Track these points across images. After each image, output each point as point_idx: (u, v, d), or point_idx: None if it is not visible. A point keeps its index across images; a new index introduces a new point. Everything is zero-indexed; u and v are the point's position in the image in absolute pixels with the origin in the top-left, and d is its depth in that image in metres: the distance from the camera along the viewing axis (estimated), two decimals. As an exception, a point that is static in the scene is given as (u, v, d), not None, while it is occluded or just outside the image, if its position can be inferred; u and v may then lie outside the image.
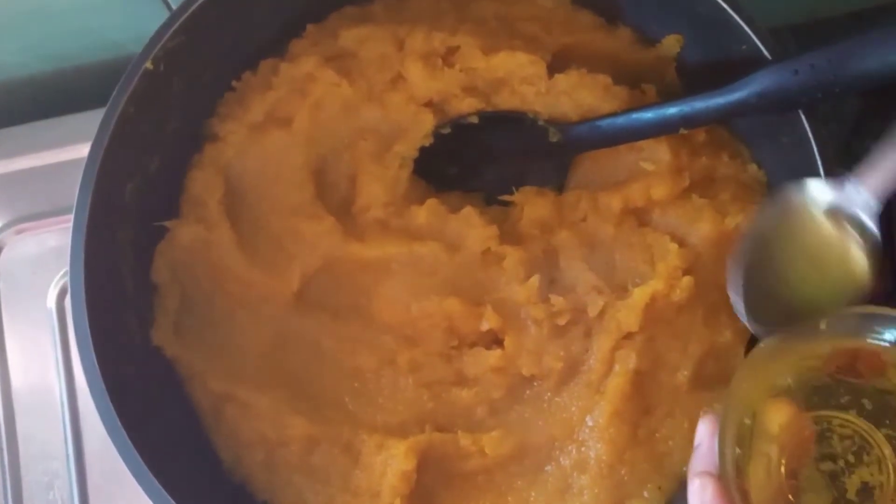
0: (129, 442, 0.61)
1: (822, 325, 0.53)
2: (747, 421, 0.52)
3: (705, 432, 0.54)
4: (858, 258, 0.54)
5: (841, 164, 0.88)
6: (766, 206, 0.58)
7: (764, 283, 0.55)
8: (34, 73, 0.88)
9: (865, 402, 0.53)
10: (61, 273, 0.83)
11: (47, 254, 0.84)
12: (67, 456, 0.81)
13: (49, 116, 0.87)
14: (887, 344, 0.53)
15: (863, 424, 0.53)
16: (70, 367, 0.82)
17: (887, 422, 0.53)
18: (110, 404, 0.61)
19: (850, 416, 0.53)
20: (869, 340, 0.53)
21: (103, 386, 0.61)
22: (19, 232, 0.85)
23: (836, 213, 0.54)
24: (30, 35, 0.82)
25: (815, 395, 0.54)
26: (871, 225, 0.54)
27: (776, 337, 0.54)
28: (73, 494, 0.80)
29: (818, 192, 0.55)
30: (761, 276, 0.55)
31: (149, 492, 0.60)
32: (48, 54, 0.86)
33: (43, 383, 0.82)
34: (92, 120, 0.65)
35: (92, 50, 0.85)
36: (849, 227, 0.54)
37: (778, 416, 0.53)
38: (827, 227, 0.54)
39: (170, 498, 0.60)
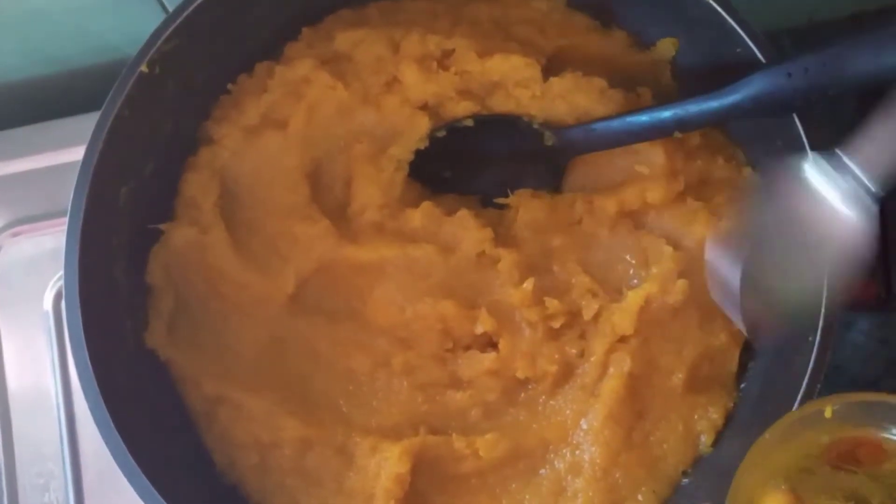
0: (123, 444, 0.61)
1: (828, 414, 0.52)
2: None
3: None
4: (847, 237, 0.52)
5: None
6: (754, 196, 0.56)
7: (757, 280, 0.54)
8: (32, 76, 0.88)
9: (860, 489, 0.52)
10: (58, 276, 0.83)
11: (44, 256, 0.84)
12: (63, 457, 0.81)
13: (46, 119, 0.87)
14: (893, 437, 0.52)
15: None
16: (66, 369, 0.82)
17: None
18: (104, 406, 0.61)
19: None
20: (873, 430, 0.52)
21: (97, 388, 0.62)
22: (16, 234, 0.85)
23: (826, 193, 0.53)
24: (27, 38, 0.83)
25: (812, 482, 0.52)
26: (867, 199, 0.52)
27: (780, 425, 0.53)
28: (69, 496, 0.80)
29: (808, 172, 0.53)
30: (754, 273, 0.54)
31: (141, 493, 0.60)
32: (46, 57, 0.86)
33: (39, 385, 0.82)
34: (89, 123, 0.65)
35: (89, 53, 0.85)
36: (839, 206, 0.52)
37: None
38: (817, 209, 0.52)
39: (162, 500, 0.60)
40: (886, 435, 0.52)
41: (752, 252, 0.54)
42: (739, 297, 0.55)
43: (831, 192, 0.53)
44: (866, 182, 0.52)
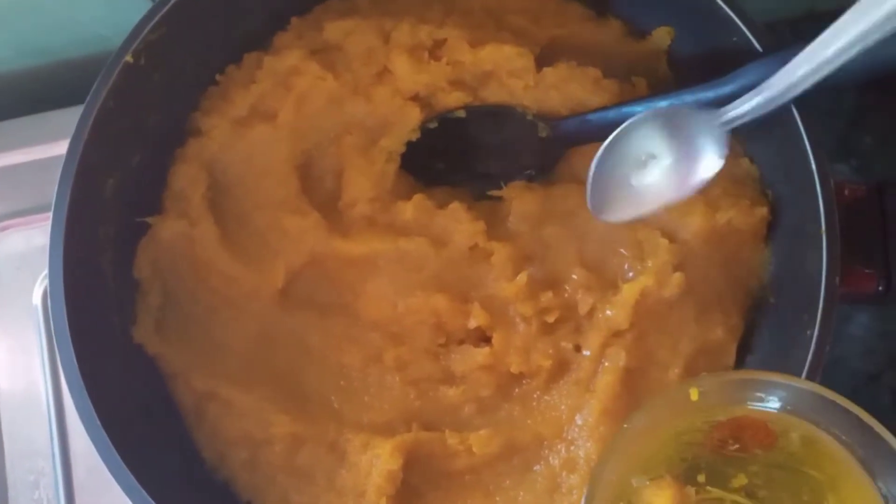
0: (108, 440, 0.60)
1: (694, 397, 0.50)
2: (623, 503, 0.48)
3: None
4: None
5: (839, 158, 0.87)
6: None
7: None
8: (21, 68, 0.87)
9: (755, 478, 0.50)
10: (47, 270, 0.82)
11: (33, 251, 0.84)
12: (53, 454, 0.80)
13: (36, 112, 0.86)
14: (774, 410, 0.50)
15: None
16: (56, 364, 0.81)
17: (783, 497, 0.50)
18: (89, 402, 0.61)
19: (740, 498, 0.50)
20: (751, 407, 0.50)
21: (82, 383, 0.61)
22: (5, 229, 0.84)
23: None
24: (16, 28, 0.82)
25: (700, 473, 0.50)
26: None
27: (643, 413, 0.50)
28: (59, 492, 0.79)
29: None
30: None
31: (127, 490, 0.60)
32: (35, 49, 0.85)
33: (28, 381, 0.81)
34: (78, 116, 0.64)
35: (78, 44, 0.85)
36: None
37: (659, 500, 0.49)
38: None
39: (148, 497, 0.59)
40: (770, 410, 0.49)
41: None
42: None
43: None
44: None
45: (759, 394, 0.50)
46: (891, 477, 0.48)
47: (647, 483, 0.49)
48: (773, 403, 0.50)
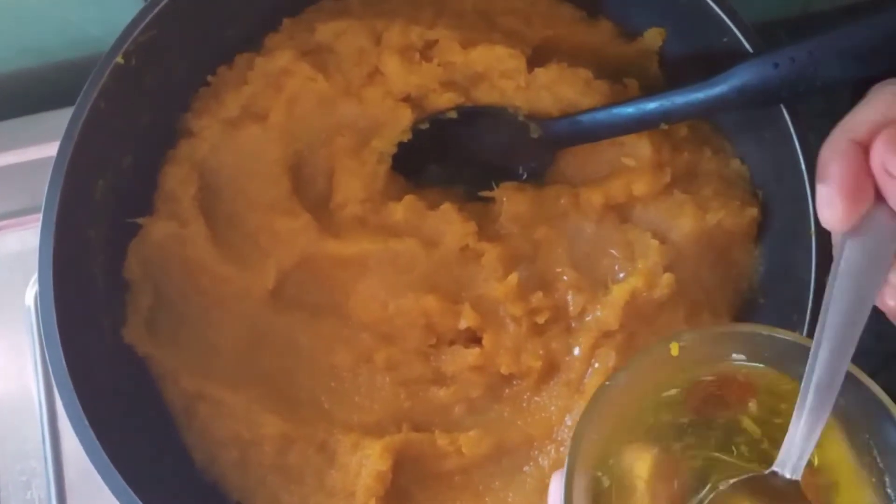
0: (97, 442, 0.60)
1: (675, 352, 0.47)
2: (601, 475, 0.46)
3: (556, 492, 0.46)
4: None
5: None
6: None
7: None
8: (13, 70, 0.87)
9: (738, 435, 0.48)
10: (38, 271, 0.82)
11: (26, 252, 0.83)
12: (45, 455, 0.80)
13: (28, 113, 0.86)
14: (761, 366, 0.48)
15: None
16: (48, 365, 0.80)
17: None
18: (77, 402, 0.60)
19: (724, 456, 0.48)
20: (735, 363, 0.48)
21: (71, 384, 0.61)
22: (-3, 229, 0.84)
23: None
24: (6, 30, 0.82)
25: (684, 434, 0.48)
26: None
27: (624, 371, 0.48)
28: (51, 494, 0.79)
29: None
30: None
31: (116, 492, 0.59)
32: (27, 49, 0.85)
33: (20, 382, 0.81)
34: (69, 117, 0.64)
35: (71, 45, 0.84)
36: None
37: (641, 466, 0.47)
38: None
39: (137, 498, 0.59)
40: (740, 363, 0.48)
41: None
42: None
43: None
44: None
45: (741, 348, 0.48)
46: (874, 426, 0.47)
47: (632, 444, 0.48)
48: (755, 359, 0.49)
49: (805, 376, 0.45)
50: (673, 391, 0.49)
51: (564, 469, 0.45)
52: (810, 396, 0.45)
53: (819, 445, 0.46)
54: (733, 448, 0.49)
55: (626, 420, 0.48)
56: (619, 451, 0.48)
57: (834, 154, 0.47)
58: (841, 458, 0.49)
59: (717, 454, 0.49)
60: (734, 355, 0.49)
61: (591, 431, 0.46)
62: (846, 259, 0.46)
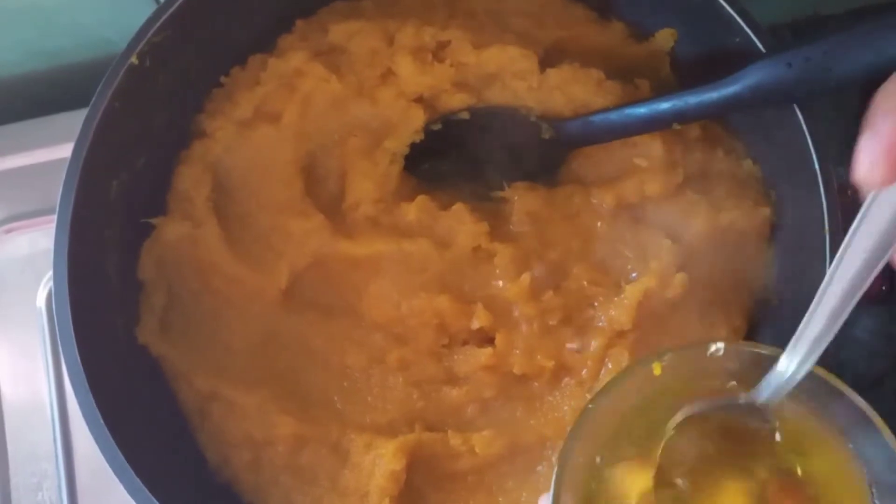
0: (112, 441, 0.60)
1: (657, 371, 0.48)
2: (594, 485, 0.47)
3: None
4: None
5: (842, 160, 0.87)
6: None
7: None
8: (27, 71, 0.88)
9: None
10: (51, 273, 0.82)
11: (37, 253, 0.84)
12: (56, 456, 0.80)
13: (41, 115, 0.86)
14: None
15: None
16: (59, 367, 0.81)
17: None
18: (93, 403, 0.60)
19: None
20: (712, 383, 0.49)
21: (87, 385, 0.61)
22: (9, 231, 0.84)
23: None
24: (22, 32, 0.82)
25: (679, 450, 0.48)
26: None
27: (606, 393, 0.48)
28: (62, 495, 0.80)
29: None
30: None
31: (132, 491, 0.59)
32: (41, 52, 0.86)
33: (32, 383, 0.81)
34: (83, 118, 0.64)
35: (84, 47, 0.85)
36: None
37: (630, 483, 0.47)
38: None
39: (153, 497, 0.59)
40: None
41: None
42: None
43: None
44: None
45: (726, 366, 0.49)
46: (859, 438, 0.48)
47: (619, 463, 0.48)
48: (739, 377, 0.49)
49: (812, 306, 0.47)
50: (660, 410, 0.49)
51: (551, 492, 0.46)
52: (814, 323, 0.47)
53: (805, 455, 0.46)
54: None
55: (615, 438, 0.49)
56: (606, 470, 0.48)
57: (890, 110, 0.45)
58: (827, 469, 0.49)
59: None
60: (719, 375, 0.49)
61: (577, 453, 0.47)
62: (871, 212, 0.47)
